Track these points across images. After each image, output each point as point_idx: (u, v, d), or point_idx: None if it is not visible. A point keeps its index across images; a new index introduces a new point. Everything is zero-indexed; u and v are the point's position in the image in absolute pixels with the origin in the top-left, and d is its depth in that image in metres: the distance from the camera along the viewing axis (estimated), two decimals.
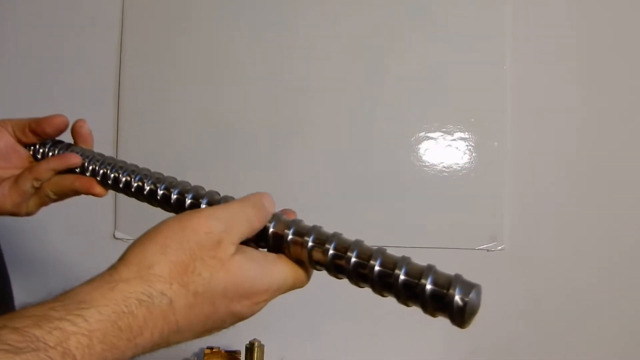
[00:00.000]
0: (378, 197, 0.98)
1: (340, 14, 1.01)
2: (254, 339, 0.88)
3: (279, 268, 0.38)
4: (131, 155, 1.01)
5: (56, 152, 0.52)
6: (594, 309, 0.96)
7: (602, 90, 0.98)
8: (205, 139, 1.01)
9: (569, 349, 0.96)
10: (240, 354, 0.90)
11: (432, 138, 0.98)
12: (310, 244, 0.37)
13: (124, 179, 0.48)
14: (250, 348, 0.87)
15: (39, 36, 1.05)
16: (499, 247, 0.96)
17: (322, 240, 0.37)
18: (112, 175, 0.49)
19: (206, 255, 0.35)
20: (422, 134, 0.98)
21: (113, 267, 0.35)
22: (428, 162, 0.98)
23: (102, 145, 1.09)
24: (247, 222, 0.38)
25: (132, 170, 0.49)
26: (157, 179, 0.46)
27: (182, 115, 1.02)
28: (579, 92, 0.98)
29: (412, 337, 0.98)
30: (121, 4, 1.03)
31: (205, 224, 0.36)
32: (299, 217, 0.41)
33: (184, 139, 1.01)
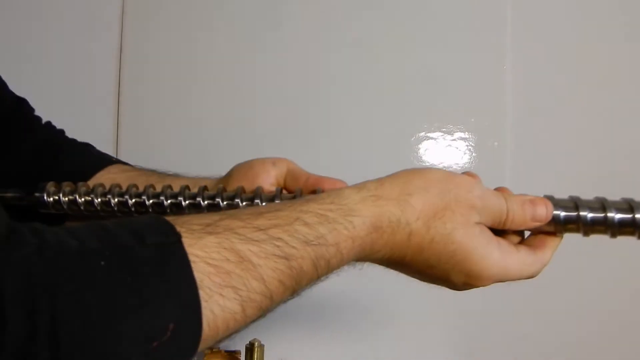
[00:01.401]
0: None
1: (340, 14, 1.01)
2: (254, 339, 0.88)
3: (512, 259, 0.42)
4: (131, 155, 1.01)
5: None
6: (594, 308, 0.96)
7: (603, 90, 0.98)
8: (205, 139, 1.01)
9: (570, 348, 0.96)
10: (240, 354, 0.90)
11: (432, 138, 0.98)
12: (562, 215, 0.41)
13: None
14: (250, 348, 0.87)
15: (38, 36, 1.05)
16: None
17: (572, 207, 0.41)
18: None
19: (458, 210, 0.39)
20: (422, 134, 0.98)
21: (380, 182, 0.40)
22: (428, 162, 0.98)
23: (102, 145, 1.08)
24: (500, 211, 0.41)
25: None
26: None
27: (182, 116, 1.02)
28: (579, 92, 0.98)
29: (413, 337, 0.97)
30: (121, 4, 1.03)
31: (469, 184, 0.40)
32: None
33: (184, 139, 1.01)
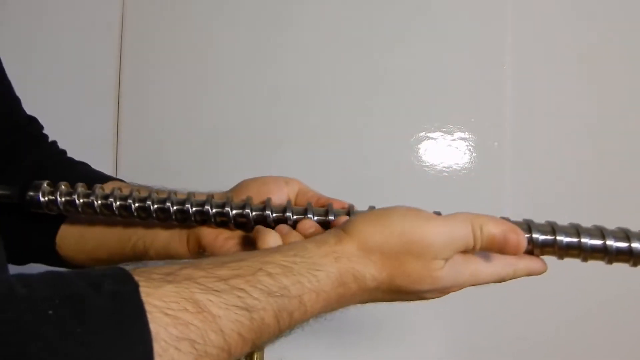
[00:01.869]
0: (378, 197, 0.97)
1: (339, 14, 1.01)
2: None
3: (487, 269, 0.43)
4: (131, 155, 1.01)
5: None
6: (595, 308, 0.96)
7: (603, 90, 0.98)
8: (206, 139, 1.01)
9: (570, 348, 0.96)
10: None
11: (432, 138, 0.98)
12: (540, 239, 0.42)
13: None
14: None
15: (38, 36, 1.05)
16: None
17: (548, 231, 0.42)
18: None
19: (419, 264, 0.38)
20: (422, 134, 0.98)
21: (338, 235, 0.39)
22: (428, 162, 0.98)
23: (102, 145, 1.08)
24: (465, 241, 0.40)
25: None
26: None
27: (182, 116, 1.02)
28: (579, 92, 0.98)
29: (413, 337, 0.97)
30: (121, 4, 1.03)
31: (428, 238, 0.38)
32: None
33: (185, 139, 1.01)
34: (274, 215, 0.46)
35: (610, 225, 0.93)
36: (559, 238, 0.41)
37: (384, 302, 0.42)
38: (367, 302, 0.41)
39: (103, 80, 1.03)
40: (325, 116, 1.00)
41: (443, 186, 0.97)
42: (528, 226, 0.43)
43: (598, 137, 0.97)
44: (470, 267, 0.41)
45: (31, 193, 0.49)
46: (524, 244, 0.41)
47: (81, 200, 0.48)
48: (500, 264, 0.43)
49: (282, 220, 0.46)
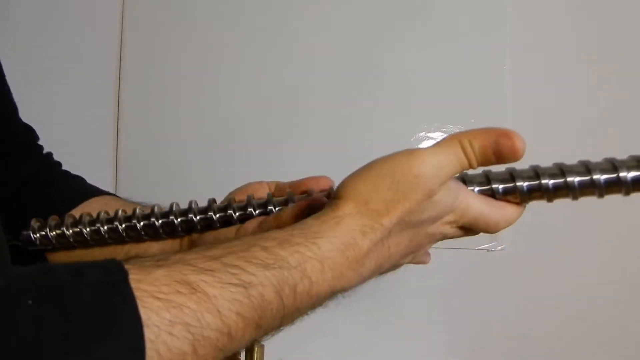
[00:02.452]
0: None
1: (339, 14, 1.01)
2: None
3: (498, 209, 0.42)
4: (131, 155, 1.01)
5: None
6: (595, 308, 0.96)
7: (603, 90, 0.98)
8: (206, 139, 1.01)
9: (570, 349, 0.96)
10: (240, 354, 0.90)
11: (432, 138, 0.98)
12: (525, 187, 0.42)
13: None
14: (250, 348, 0.87)
15: (38, 36, 1.05)
16: (499, 247, 0.96)
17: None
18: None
19: (417, 195, 0.37)
20: (422, 134, 0.98)
21: (333, 204, 0.37)
22: None
23: (102, 146, 1.08)
24: (458, 161, 0.39)
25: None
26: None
27: (182, 115, 1.02)
28: (579, 92, 0.98)
29: (413, 337, 0.97)
30: (121, 4, 1.03)
31: (415, 171, 0.37)
32: None
33: (185, 139, 1.01)
34: (257, 211, 0.46)
35: (612, 225, 0.93)
36: (544, 182, 0.43)
37: (406, 263, 0.41)
38: (386, 266, 0.39)
39: (103, 80, 1.03)
40: (325, 116, 1.00)
41: None
42: (511, 175, 0.44)
43: (598, 137, 0.97)
44: (461, 192, 0.40)
45: (24, 232, 0.48)
46: (519, 147, 0.42)
47: (70, 231, 0.47)
48: (490, 204, 0.42)
49: (265, 214, 0.46)
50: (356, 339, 0.99)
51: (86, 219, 0.48)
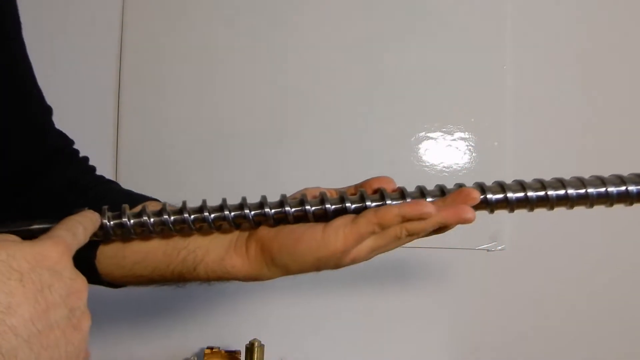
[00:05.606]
0: None
1: (339, 14, 1.01)
2: (254, 338, 0.88)
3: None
4: (131, 155, 1.01)
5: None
6: (595, 308, 0.96)
7: (603, 90, 0.98)
8: (206, 139, 1.01)
9: (570, 348, 0.96)
10: (240, 354, 0.90)
11: (432, 138, 0.98)
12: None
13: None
14: (250, 348, 0.87)
15: (38, 36, 1.05)
16: (499, 247, 0.96)
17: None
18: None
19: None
20: (422, 134, 0.98)
21: None
22: (428, 162, 0.98)
23: (102, 146, 1.08)
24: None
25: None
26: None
27: (182, 115, 1.01)
28: (579, 92, 0.98)
29: (413, 337, 0.97)
30: (121, 4, 1.03)
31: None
32: None
33: (185, 139, 1.01)
34: (354, 206, 0.50)
35: (612, 224, 0.93)
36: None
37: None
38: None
39: (103, 80, 1.03)
40: (326, 116, 1.00)
41: None
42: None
43: (598, 136, 0.97)
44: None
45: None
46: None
47: (152, 220, 0.47)
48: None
49: (342, 210, 0.49)
50: (356, 339, 0.99)
51: (170, 209, 0.48)
